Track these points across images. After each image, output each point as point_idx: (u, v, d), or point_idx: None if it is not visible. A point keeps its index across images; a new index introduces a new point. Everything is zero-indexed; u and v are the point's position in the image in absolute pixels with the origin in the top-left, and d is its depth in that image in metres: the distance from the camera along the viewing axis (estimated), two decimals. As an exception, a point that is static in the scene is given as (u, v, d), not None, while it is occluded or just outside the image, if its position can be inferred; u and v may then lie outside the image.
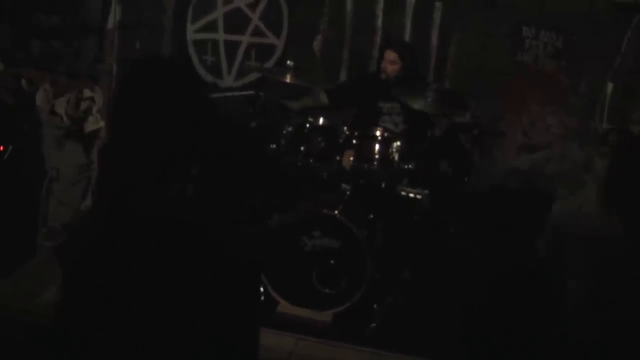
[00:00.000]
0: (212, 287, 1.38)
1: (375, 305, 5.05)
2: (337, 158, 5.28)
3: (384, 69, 5.67)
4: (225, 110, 6.18)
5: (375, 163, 5.24)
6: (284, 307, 4.97)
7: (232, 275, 1.43)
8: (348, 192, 5.35)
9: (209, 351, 1.32)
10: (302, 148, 5.25)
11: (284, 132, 5.32)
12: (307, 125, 5.30)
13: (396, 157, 5.24)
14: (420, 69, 5.98)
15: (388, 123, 5.75)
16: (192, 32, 6.39)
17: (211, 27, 6.38)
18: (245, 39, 6.34)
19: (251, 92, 5.55)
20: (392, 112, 5.78)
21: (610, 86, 5.82)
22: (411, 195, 5.28)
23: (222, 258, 1.43)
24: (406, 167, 5.28)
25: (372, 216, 5.31)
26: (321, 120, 5.33)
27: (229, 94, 5.94)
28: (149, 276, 1.35)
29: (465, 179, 5.68)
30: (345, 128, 5.35)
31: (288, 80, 5.36)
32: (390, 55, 5.66)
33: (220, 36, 6.38)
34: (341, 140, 5.31)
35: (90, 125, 6.20)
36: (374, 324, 4.93)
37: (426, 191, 5.27)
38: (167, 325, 1.32)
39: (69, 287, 1.39)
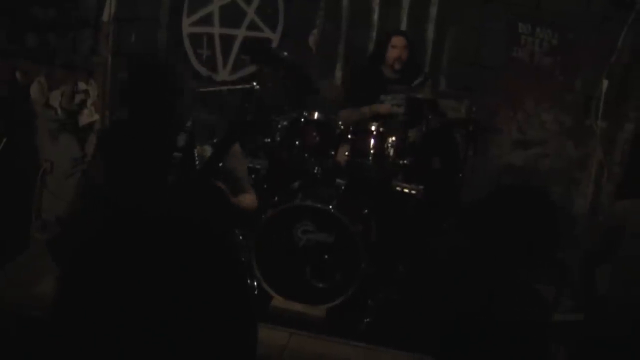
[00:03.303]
0: (209, 281, 1.37)
1: (369, 300, 5.05)
2: (332, 153, 5.28)
3: (396, 57, 5.68)
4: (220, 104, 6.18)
5: (370, 158, 5.24)
6: (278, 301, 4.97)
7: (229, 270, 1.43)
8: (343, 187, 5.35)
9: (206, 346, 1.32)
10: (297, 142, 5.25)
11: (279, 126, 5.32)
12: (302, 119, 5.30)
13: (391, 152, 5.24)
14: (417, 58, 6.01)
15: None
16: (187, 26, 6.38)
17: (207, 20, 6.37)
18: (241, 33, 6.33)
19: (246, 85, 5.53)
20: (392, 103, 5.78)
21: (605, 83, 5.81)
22: (406, 190, 5.28)
23: (217, 252, 1.43)
24: (401, 162, 5.28)
25: (366, 211, 5.31)
26: (316, 115, 5.32)
27: (224, 87, 5.93)
28: (146, 270, 1.35)
29: (460, 174, 5.69)
30: (340, 123, 5.35)
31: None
32: (399, 40, 5.70)
33: (216, 30, 6.37)
34: (336, 135, 5.31)
35: (84, 118, 6.20)
36: (368, 319, 4.93)
37: (421, 186, 5.27)
38: (164, 320, 1.31)
39: (67, 279, 1.38)
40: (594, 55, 5.85)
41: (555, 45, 5.97)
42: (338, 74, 6.30)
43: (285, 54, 5.67)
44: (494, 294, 4.94)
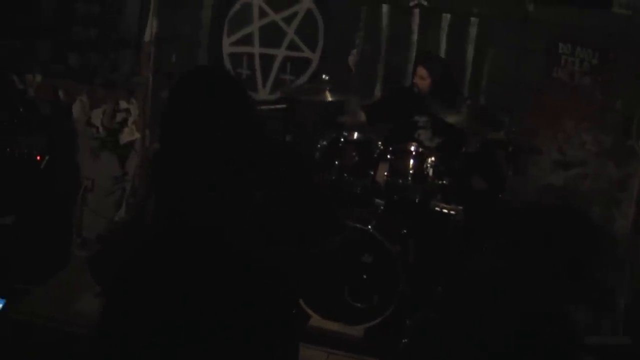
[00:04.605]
0: (253, 303, 1.38)
1: (407, 321, 5.03)
2: (371, 173, 5.27)
3: (416, 85, 5.69)
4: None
5: (409, 178, 5.23)
6: (316, 321, 4.96)
7: (273, 292, 1.43)
8: (381, 207, 5.34)
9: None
10: (336, 162, 5.25)
11: (318, 146, 5.33)
12: (342, 139, 5.30)
13: (430, 172, 5.23)
14: (455, 83, 5.95)
15: (423, 137, 5.73)
16: (227, 45, 6.42)
17: (247, 40, 6.41)
18: (280, 53, 6.36)
19: (285, 105, 5.55)
20: (427, 125, 5.77)
21: (647, 103, 5.77)
22: (445, 210, 5.26)
23: (263, 274, 1.43)
24: (440, 182, 5.26)
25: (405, 231, 5.29)
26: (355, 135, 5.33)
27: (264, 107, 5.95)
28: (190, 288, 1.35)
29: (500, 195, 5.65)
30: (379, 143, 5.35)
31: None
32: (421, 71, 5.67)
33: (256, 49, 6.41)
34: (375, 155, 5.30)
35: (125, 137, 6.26)
36: (406, 340, 4.91)
37: (460, 207, 5.24)
38: (208, 339, 1.32)
39: (112, 296, 1.39)
40: (634, 74, 5.80)
41: (595, 65, 5.92)
42: (377, 94, 6.29)
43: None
44: (533, 315, 4.88)
